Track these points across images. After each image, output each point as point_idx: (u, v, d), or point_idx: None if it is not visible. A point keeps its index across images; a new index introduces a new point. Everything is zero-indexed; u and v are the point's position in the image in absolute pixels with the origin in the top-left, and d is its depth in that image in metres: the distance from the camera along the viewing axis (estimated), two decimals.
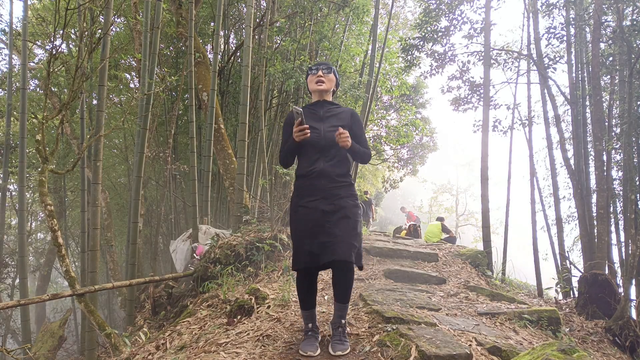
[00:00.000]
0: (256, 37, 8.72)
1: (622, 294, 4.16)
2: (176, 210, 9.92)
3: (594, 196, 6.18)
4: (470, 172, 28.90)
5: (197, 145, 7.27)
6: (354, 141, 2.27)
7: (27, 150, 8.27)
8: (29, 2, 7.32)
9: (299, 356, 2.11)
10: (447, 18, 7.84)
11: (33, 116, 5.55)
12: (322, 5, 7.89)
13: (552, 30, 6.86)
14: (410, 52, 8.34)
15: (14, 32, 7.37)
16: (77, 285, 3.51)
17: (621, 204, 6.25)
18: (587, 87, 6.60)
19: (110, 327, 3.49)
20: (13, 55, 7.40)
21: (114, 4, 5.29)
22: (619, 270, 5.72)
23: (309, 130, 2.16)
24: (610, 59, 6.41)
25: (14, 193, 9.31)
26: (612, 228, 6.03)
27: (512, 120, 7.97)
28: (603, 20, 6.12)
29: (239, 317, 2.88)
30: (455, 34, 8.02)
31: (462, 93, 8.90)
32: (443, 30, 7.89)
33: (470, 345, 2.33)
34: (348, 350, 2.14)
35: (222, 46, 9.31)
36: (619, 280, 5.04)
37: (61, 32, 4.22)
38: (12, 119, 7.72)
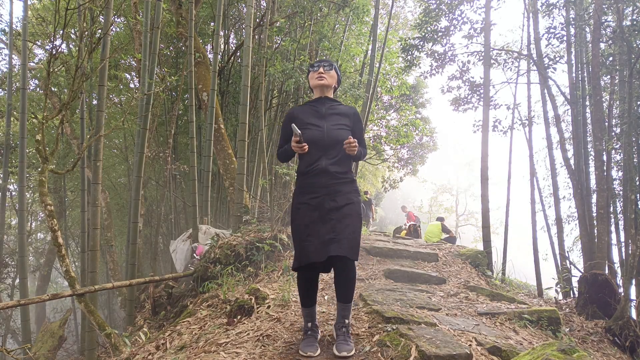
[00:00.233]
0: (256, 37, 8.72)
1: (622, 294, 4.16)
2: (176, 210, 9.92)
3: (594, 196, 6.18)
4: (470, 172, 28.95)
5: (197, 145, 7.27)
6: None
7: (27, 150, 8.26)
8: (29, 2, 7.31)
9: (299, 356, 2.11)
10: (447, 18, 7.84)
11: (33, 116, 5.55)
12: (322, 5, 7.88)
13: (552, 30, 6.86)
14: (410, 52, 8.34)
15: (14, 32, 7.37)
16: (77, 285, 3.51)
17: (621, 204, 6.25)
18: (587, 87, 6.59)
19: (110, 327, 3.49)
20: (13, 55, 7.40)
21: (114, 4, 5.29)
22: (619, 270, 5.72)
23: (306, 147, 2.20)
24: (610, 59, 6.40)
25: (14, 193, 9.31)
26: (612, 228, 6.03)
27: (512, 120, 7.97)
28: (603, 20, 6.12)
29: (239, 317, 2.88)
30: (455, 34, 8.03)
31: (462, 93, 8.90)
32: (443, 30, 7.89)
33: (470, 345, 2.32)
34: (353, 351, 2.12)
35: (222, 46, 9.31)
36: (619, 280, 5.04)
37: (61, 32, 4.22)
38: (12, 119, 7.72)
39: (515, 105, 7.97)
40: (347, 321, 2.24)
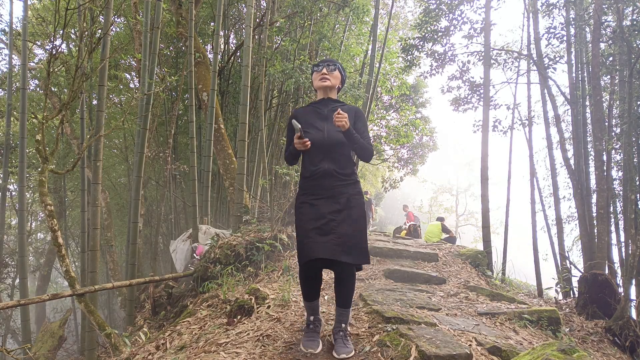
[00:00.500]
0: (256, 37, 8.72)
1: (622, 294, 4.16)
2: (176, 210, 9.92)
3: (594, 196, 6.17)
4: (470, 172, 28.98)
5: (197, 145, 7.27)
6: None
7: (27, 150, 8.27)
8: (29, 2, 7.31)
9: (299, 355, 2.11)
10: (447, 18, 7.84)
11: (33, 116, 5.55)
12: (322, 5, 7.89)
13: (552, 30, 6.86)
14: (410, 52, 8.34)
15: (14, 32, 7.37)
16: (77, 285, 3.51)
17: (621, 204, 6.24)
18: (587, 87, 6.59)
19: (110, 327, 3.49)
20: (13, 55, 7.40)
21: (114, 4, 5.29)
22: (619, 270, 5.71)
23: (309, 142, 2.17)
24: (610, 59, 6.40)
25: (14, 193, 9.31)
26: (612, 228, 6.03)
27: (512, 120, 7.97)
28: (603, 20, 6.12)
29: (239, 317, 2.88)
30: (455, 34, 8.03)
31: (462, 93, 8.90)
32: (443, 30, 7.89)
33: (470, 345, 2.32)
34: (352, 353, 2.11)
35: (222, 46, 9.31)
36: (619, 280, 5.03)
37: (61, 32, 4.22)
38: (12, 119, 7.72)
39: (515, 105, 7.98)
40: (344, 325, 2.23)
